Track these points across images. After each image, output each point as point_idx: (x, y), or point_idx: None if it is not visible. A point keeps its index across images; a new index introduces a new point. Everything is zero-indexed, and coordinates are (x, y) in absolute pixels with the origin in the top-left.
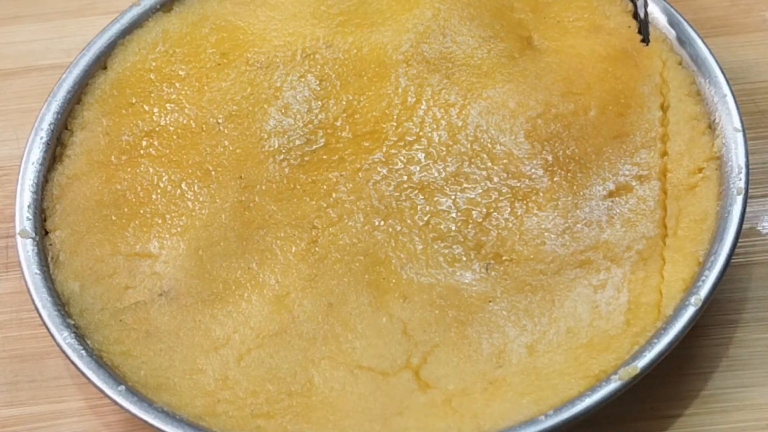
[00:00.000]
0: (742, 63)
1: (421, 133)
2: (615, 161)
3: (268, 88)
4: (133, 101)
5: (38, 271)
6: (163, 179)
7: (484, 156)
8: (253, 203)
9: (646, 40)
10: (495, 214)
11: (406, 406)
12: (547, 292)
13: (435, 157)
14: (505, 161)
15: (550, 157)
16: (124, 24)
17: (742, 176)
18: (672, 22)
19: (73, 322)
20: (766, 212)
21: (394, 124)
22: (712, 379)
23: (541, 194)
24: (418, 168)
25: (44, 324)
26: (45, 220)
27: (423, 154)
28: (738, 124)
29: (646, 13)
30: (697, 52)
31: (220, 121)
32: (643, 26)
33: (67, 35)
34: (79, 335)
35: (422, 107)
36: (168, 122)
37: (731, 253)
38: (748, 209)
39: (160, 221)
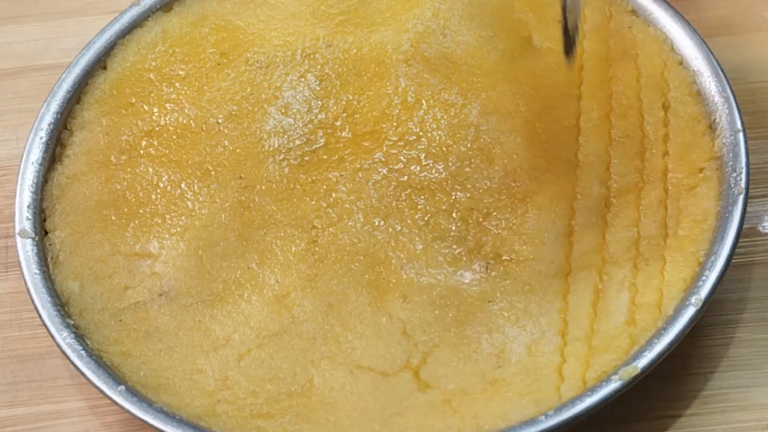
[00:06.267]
0: (742, 63)
1: (421, 133)
2: (616, 163)
3: (268, 88)
4: (133, 101)
5: (38, 271)
6: (163, 179)
7: (484, 156)
8: (253, 203)
9: (568, 53)
10: (495, 214)
11: (405, 406)
12: (547, 292)
13: (435, 157)
14: (505, 161)
15: (550, 158)
16: (124, 24)
17: (743, 176)
18: (672, 22)
19: (72, 322)
20: (766, 212)
21: (394, 124)
22: (712, 379)
23: (541, 194)
24: (418, 168)
25: (44, 324)
26: (45, 220)
27: (423, 154)
28: (738, 124)
29: (566, 25)
30: (697, 52)
31: (220, 121)
32: (567, 40)
33: (67, 35)
34: (79, 335)
35: (422, 107)
36: (168, 122)
37: (732, 253)
38: (748, 209)
39: (160, 221)
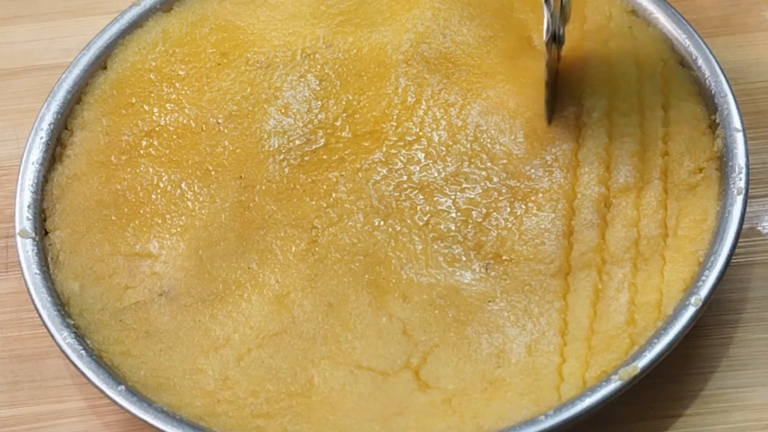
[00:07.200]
0: (742, 63)
1: (420, 133)
2: (616, 162)
3: (268, 88)
4: (133, 101)
5: (38, 271)
6: (163, 179)
7: (484, 156)
8: (253, 203)
9: (548, 118)
10: (494, 214)
11: (405, 406)
12: (547, 292)
13: (435, 157)
14: (504, 161)
15: (549, 158)
16: (124, 24)
17: (743, 176)
18: (672, 22)
19: (73, 322)
20: (766, 212)
21: (394, 124)
22: (712, 379)
23: (541, 194)
24: (417, 168)
25: (44, 324)
26: (45, 220)
27: (423, 154)
28: (738, 124)
29: (550, 86)
30: (697, 52)
31: (220, 121)
32: (548, 102)
33: (67, 35)
34: (79, 335)
35: (422, 107)
36: (168, 122)
37: (731, 253)
38: (748, 209)
39: (160, 221)
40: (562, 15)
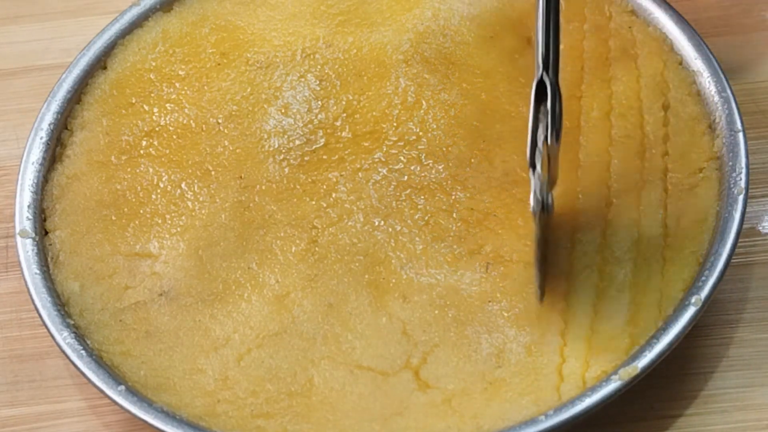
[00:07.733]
0: (742, 63)
1: (421, 133)
2: (617, 162)
3: (268, 88)
4: (133, 101)
5: (38, 271)
6: (163, 179)
7: (484, 156)
8: (253, 203)
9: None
10: (495, 214)
11: (405, 406)
12: (547, 291)
13: (435, 157)
14: (505, 161)
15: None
16: (124, 24)
17: (743, 176)
18: (672, 22)
19: (73, 322)
20: (766, 212)
21: (394, 124)
22: (712, 379)
23: None
24: (418, 168)
25: (44, 324)
26: (45, 220)
27: (423, 154)
28: (738, 124)
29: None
30: (697, 52)
31: (220, 121)
32: (539, 278)
33: (67, 35)
34: (79, 335)
35: (422, 107)
36: (168, 122)
37: (731, 253)
38: (748, 209)
39: (160, 221)
40: (549, 181)
